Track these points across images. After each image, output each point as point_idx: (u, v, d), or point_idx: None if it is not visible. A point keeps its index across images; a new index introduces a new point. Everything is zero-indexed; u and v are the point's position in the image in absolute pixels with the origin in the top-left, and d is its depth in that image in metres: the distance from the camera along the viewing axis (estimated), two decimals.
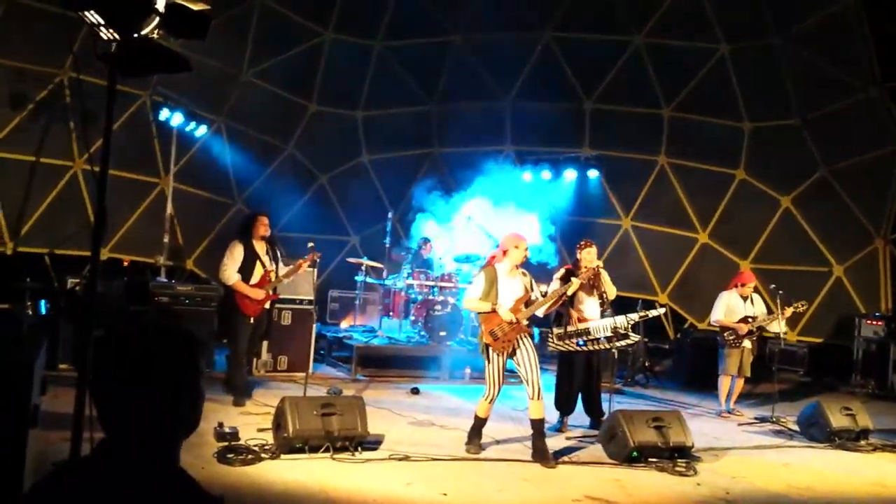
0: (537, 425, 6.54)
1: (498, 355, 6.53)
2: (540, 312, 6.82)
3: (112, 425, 1.64)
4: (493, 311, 6.56)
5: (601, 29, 13.13)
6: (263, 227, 8.06)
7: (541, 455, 6.45)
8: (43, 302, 9.05)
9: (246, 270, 7.87)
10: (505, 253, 6.72)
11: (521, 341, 6.55)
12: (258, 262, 7.95)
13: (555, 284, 7.79)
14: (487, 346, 6.55)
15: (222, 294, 8.64)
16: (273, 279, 7.99)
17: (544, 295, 6.99)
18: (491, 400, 6.63)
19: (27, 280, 9.15)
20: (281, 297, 9.06)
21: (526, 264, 6.94)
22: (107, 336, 1.71)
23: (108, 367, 1.66)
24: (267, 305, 8.11)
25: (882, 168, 11.95)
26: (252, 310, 7.86)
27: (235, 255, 7.89)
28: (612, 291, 8.00)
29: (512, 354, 6.56)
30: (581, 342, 7.74)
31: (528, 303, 6.64)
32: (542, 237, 11.39)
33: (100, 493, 1.53)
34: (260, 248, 8.02)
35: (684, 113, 13.55)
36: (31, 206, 11.53)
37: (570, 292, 7.21)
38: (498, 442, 7.05)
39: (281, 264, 8.21)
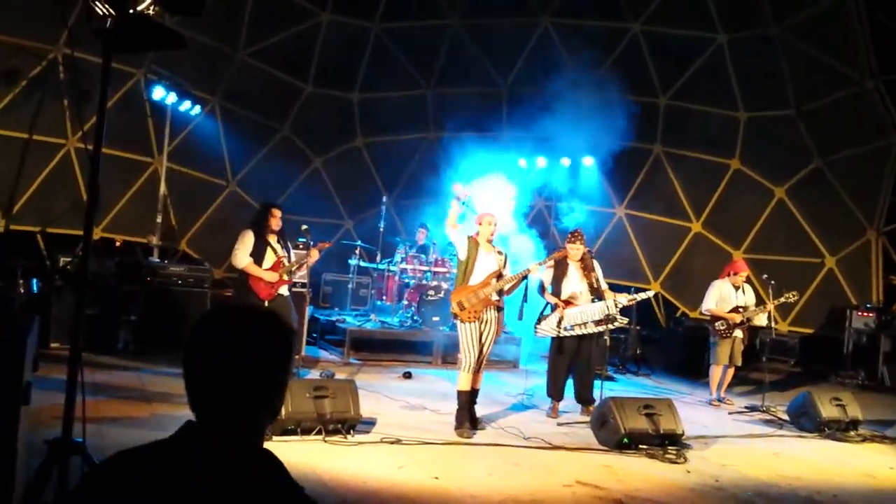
0: (461, 396, 6.84)
1: (467, 324, 6.81)
2: (505, 289, 7.06)
3: (205, 404, 1.60)
4: (465, 282, 6.93)
5: (599, 15, 13.08)
6: (276, 220, 7.98)
7: (458, 423, 6.77)
8: (35, 280, 9.01)
9: (257, 257, 7.80)
10: (478, 232, 7.12)
11: (487, 314, 6.89)
12: (269, 249, 7.89)
13: (546, 272, 7.87)
14: (455, 314, 6.89)
15: (237, 282, 8.54)
16: (285, 264, 7.94)
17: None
18: (468, 370, 6.80)
19: (19, 258, 9.10)
20: None
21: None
22: (215, 313, 1.67)
23: (214, 345, 1.61)
24: (285, 292, 7.98)
25: (876, 160, 11.97)
26: (266, 293, 7.79)
27: (246, 241, 7.83)
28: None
29: (483, 326, 6.85)
30: (569, 326, 7.78)
31: (498, 279, 6.95)
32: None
33: (187, 473, 1.50)
34: (271, 237, 7.98)
35: (680, 102, 13.54)
36: (24, 184, 11.45)
37: (531, 276, 7.28)
38: (489, 426, 7.08)
39: (292, 253, 8.18)
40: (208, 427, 1.58)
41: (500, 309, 7.01)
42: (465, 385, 6.83)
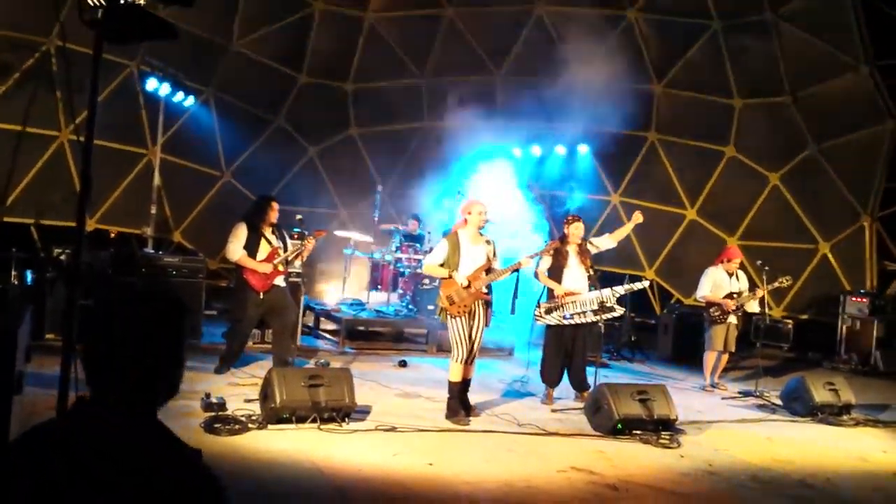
0: (453, 387, 6.82)
1: (457, 319, 6.74)
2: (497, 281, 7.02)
3: (98, 385, 1.67)
4: (451, 276, 6.78)
5: (594, 2, 13.03)
6: (274, 213, 8.01)
7: (451, 412, 6.76)
8: (29, 272, 9.01)
9: (251, 249, 7.81)
10: (466, 221, 6.95)
11: (477, 307, 6.80)
12: (263, 240, 7.89)
13: (544, 260, 7.88)
14: (444, 309, 6.79)
15: (235, 274, 8.53)
16: (280, 255, 7.94)
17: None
18: (461, 361, 6.77)
19: (13, 250, 9.10)
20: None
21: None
22: (97, 299, 1.74)
23: (98, 329, 1.68)
24: (281, 282, 8.01)
25: (871, 146, 11.97)
26: (260, 285, 7.80)
27: (239, 234, 7.85)
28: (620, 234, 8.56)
29: (472, 320, 6.76)
30: (567, 315, 7.81)
31: (489, 271, 6.85)
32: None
33: (80, 442, 1.56)
34: (266, 229, 7.99)
35: (675, 89, 13.52)
36: (17, 176, 11.42)
37: (522, 268, 7.21)
38: (484, 413, 7.11)
39: (289, 243, 8.18)
40: (104, 403, 1.65)
41: (488, 304, 6.91)
42: (456, 376, 6.82)
